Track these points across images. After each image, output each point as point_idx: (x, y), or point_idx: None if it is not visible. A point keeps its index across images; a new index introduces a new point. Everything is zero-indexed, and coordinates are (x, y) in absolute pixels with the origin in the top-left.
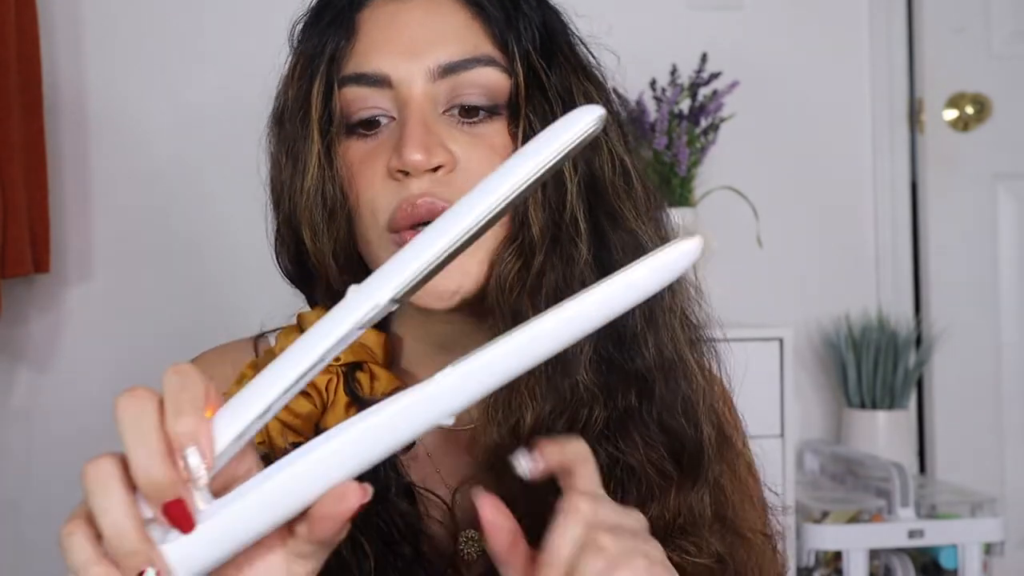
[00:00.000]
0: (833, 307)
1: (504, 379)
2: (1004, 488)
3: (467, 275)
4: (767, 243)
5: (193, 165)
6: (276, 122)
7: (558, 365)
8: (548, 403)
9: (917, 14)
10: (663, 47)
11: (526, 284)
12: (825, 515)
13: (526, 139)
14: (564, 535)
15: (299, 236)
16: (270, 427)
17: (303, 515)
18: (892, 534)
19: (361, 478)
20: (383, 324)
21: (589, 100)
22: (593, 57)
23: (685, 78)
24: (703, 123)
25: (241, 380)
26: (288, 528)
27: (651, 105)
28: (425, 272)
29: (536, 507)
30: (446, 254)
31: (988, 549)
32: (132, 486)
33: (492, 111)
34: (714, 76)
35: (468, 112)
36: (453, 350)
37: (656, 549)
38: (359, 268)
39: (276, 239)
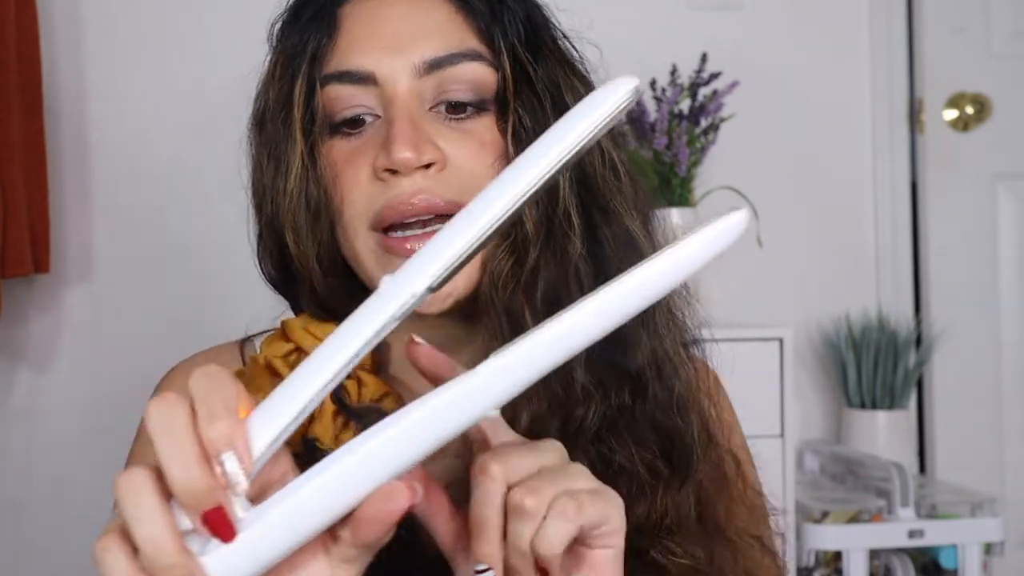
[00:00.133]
0: (833, 307)
1: (553, 364)
2: (1004, 488)
3: (461, 275)
4: (767, 243)
5: (193, 165)
6: (257, 124)
7: None
8: (544, 402)
9: (917, 14)
10: (663, 47)
11: (520, 281)
12: (825, 515)
13: (515, 134)
14: (485, 503)
15: (282, 240)
16: None
17: (346, 518)
18: (892, 534)
19: None
20: None
21: (576, 94)
22: (576, 51)
23: (685, 78)
24: (703, 123)
25: None
26: (330, 532)
27: (651, 105)
28: (464, 256)
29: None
30: (485, 235)
31: (988, 549)
32: (167, 497)
33: (479, 107)
34: (714, 76)
35: (455, 108)
36: (443, 353)
37: (581, 476)
38: (343, 271)
39: (258, 244)
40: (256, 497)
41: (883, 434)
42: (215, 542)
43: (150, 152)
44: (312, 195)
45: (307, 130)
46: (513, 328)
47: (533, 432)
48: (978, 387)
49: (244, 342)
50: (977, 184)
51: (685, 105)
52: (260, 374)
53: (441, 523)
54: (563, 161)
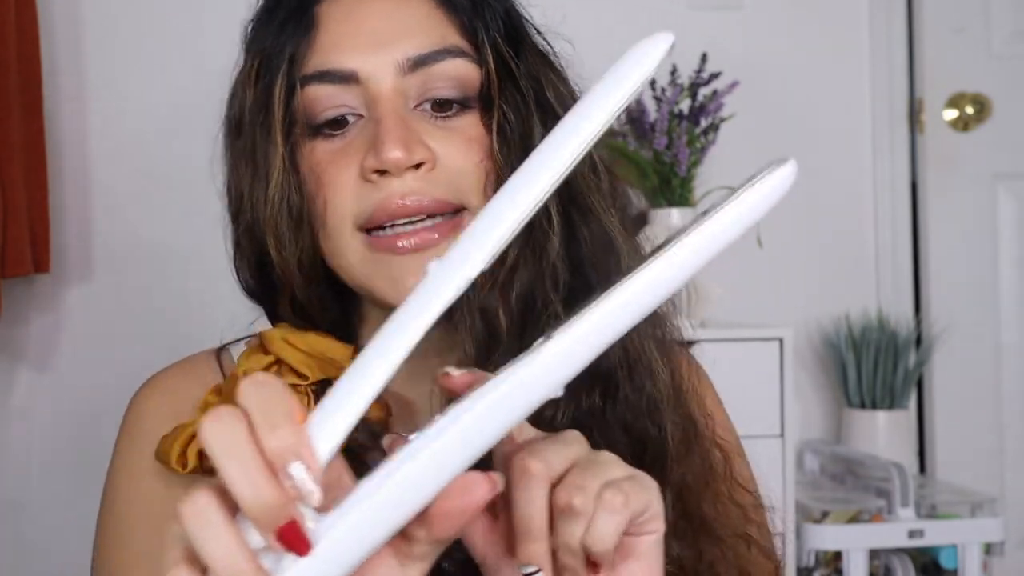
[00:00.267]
0: (833, 307)
1: (616, 335)
2: (1004, 488)
3: None
4: (767, 243)
5: (193, 165)
6: (233, 129)
7: None
8: None
9: (917, 14)
10: None
11: (498, 280)
12: (825, 515)
13: (500, 130)
14: (531, 503)
15: (262, 248)
16: None
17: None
18: (892, 534)
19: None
20: (351, 336)
21: (556, 89)
22: (550, 46)
23: (685, 78)
24: (703, 123)
25: (205, 407)
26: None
27: (651, 105)
28: (514, 232)
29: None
30: (534, 208)
31: (988, 549)
32: (232, 514)
33: (464, 104)
34: (714, 76)
35: (440, 106)
36: (426, 360)
37: (615, 465)
38: (324, 277)
39: (235, 252)
40: (317, 506)
41: (883, 434)
42: (289, 558)
43: (150, 152)
44: (294, 201)
45: (287, 133)
46: (487, 327)
47: None
48: (978, 387)
49: (220, 351)
50: (977, 184)
51: (685, 105)
52: None
53: (476, 528)
54: (610, 119)
